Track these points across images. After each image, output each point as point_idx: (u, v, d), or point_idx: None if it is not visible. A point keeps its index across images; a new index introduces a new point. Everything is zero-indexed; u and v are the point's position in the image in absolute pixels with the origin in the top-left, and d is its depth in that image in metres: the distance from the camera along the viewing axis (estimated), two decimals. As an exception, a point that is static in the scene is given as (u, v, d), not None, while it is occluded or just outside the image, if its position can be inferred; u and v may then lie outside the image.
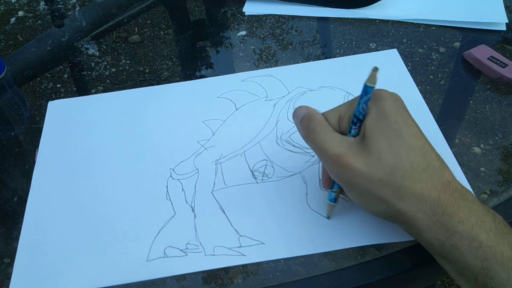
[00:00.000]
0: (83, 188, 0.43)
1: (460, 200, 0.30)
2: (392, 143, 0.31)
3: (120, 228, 0.40)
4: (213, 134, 0.46)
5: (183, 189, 0.42)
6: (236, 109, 0.48)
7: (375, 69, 0.32)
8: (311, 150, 0.43)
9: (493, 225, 0.29)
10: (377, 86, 0.33)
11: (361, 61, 0.52)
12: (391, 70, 0.50)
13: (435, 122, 0.44)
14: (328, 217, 0.38)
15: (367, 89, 0.32)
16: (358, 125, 0.33)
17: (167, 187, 0.42)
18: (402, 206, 0.30)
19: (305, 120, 0.34)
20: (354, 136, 0.33)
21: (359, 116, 0.33)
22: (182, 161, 0.44)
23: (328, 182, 0.37)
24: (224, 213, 0.40)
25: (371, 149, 0.31)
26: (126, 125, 0.48)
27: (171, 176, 0.43)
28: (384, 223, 0.37)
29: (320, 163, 0.42)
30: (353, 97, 0.47)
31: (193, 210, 0.40)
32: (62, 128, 0.48)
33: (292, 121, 0.46)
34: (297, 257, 0.37)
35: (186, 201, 0.41)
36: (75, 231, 0.40)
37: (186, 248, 0.38)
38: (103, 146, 0.46)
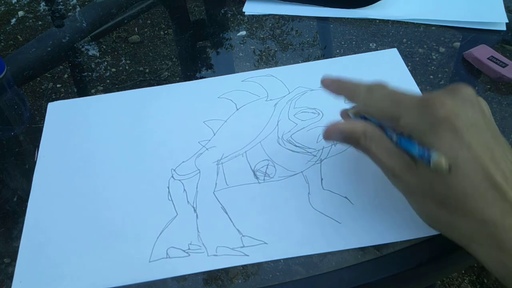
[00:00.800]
0: (84, 189, 0.43)
1: None
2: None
3: (121, 229, 0.39)
4: (214, 135, 0.46)
5: (184, 189, 0.42)
6: (237, 109, 0.48)
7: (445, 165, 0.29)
8: (313, 150, 0.43)
9: None
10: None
11: (361, 60, 0.52)
12: (391, 70, 0.50)
13: None
14: None
15: (428, 156, 0.29)
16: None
17: (168, 187, 0.42)
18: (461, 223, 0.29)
19: (369, 134, 0.34)
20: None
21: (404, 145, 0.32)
22: (183, 162, 0.44)
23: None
24: (226, 213, 0.40)
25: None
26: (126, 125, 0.48)
27: (172, 176, 0.43)
28: (385, 224, 0.37)
29: (322, 163, 0.42)
30: None
31: (195, 210, 0.40)
32: (62, 129, 0.48)
33: (293, 121, 0.46)
34: (297, 257, 0.37)
35: (188, 201, 0.41)
36: (77, 232, 0.40)
37: (189, 249, 0.37)
38: (104, 147, 0.46)
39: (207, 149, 0.45)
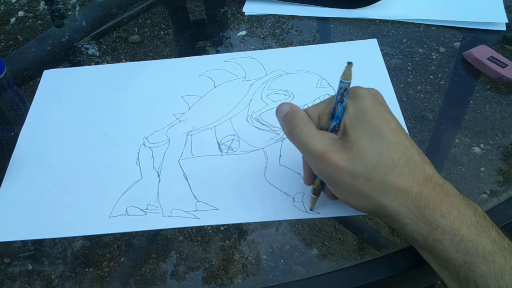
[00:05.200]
0: (64, 148, 0.46)
1: (442, 194, 0.30)
2: (372, 139, 0.31)
3: (90, 185, 0.43)
4: (189, 109, 0.49)
5: (152, 156, 0.44)
6: (215, 87, 0.50)
7: (350, 64, 0.31)
8: (277, 129, 0.45)
9: (474, 218, 0.30)
10: (353, 75, 0.32)
11: (340, 49, 0.53)
12: (367, 60, 0.51)
13: (401, 115, 0.45)
14: (311, 209, 0.39)
15: (341, 84, 0.32)
16: (332, 119, 0.33)
17: (138, 153, 0.45)
18: (385, 200, 0.31)
19: (288, 117, 0.35)
20: (332, 132, 0.33)
21: (332, 111, 0.33)
22: (156, 131, 0.47)
23: (310, 179, 0.38)
24: (187, 180, 0.42)
25: (353, 146, 0.31)
26: (111, 95, 0.51)
27: (144, 144, 0.46)
28: (331, 200, 0.38)
29: (284, 141, 0.44)
30: (326, 82, 0.49)
31: (158, 175, 0.43)
32: (53, 94, 0.52)
33: (264, 101, 0.48)
34: (297, 257, 0.37)
35: (153, 167, 0.44)
36: (51, 185, 0.43)
37: (147, 209, 0.40)
38: (87, 114, 0.50)
39: (180, 121, 0.47)
